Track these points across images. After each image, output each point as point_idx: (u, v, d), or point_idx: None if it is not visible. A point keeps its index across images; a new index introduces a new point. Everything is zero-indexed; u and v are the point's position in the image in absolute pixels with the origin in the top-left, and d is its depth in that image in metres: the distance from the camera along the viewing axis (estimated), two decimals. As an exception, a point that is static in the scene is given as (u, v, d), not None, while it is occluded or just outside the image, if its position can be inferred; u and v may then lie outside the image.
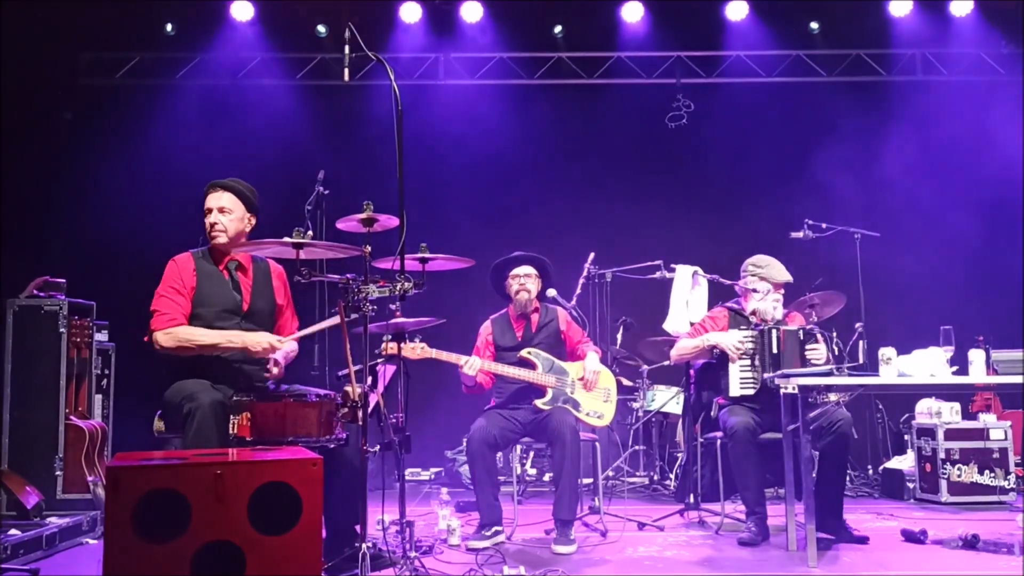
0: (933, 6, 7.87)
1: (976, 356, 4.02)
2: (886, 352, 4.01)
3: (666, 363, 5.96)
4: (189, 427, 3.33)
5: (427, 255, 3.75)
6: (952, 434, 5.83)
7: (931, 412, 6.10)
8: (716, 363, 4.91)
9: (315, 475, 2.61)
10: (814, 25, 8.00)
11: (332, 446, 3.39)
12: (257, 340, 3.65)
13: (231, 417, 3.32)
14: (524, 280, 4.89)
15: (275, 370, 3.76)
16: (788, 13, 7.97)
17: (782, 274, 4.91)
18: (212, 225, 3.84)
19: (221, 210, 3.84)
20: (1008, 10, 7.80)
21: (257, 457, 2.67)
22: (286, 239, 3.26)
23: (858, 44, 8.08)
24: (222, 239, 3.83)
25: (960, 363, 4.10)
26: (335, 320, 3.43)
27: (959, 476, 5.75)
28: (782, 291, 4.92)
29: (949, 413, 6.05)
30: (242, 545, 2.49)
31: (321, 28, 7.71)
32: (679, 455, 6.54)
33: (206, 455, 2.77)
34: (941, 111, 7.95)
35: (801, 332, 4.72)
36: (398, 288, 3.33)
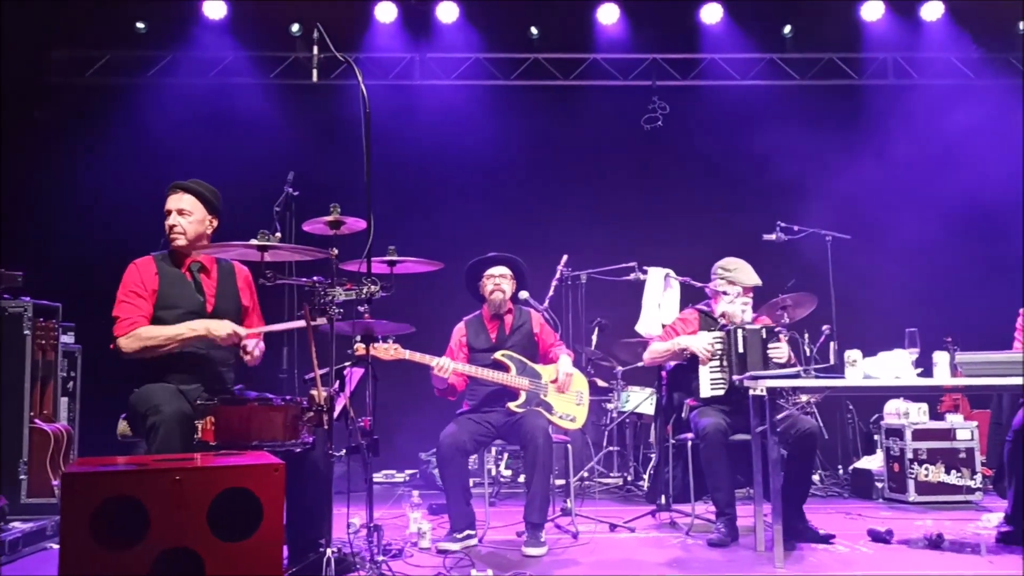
0: (904, 10, 7.93)
1: (940, 358, 4.06)
2: (852, 354, 4.04)
3: (640, 364, 5.98)
4: (153, 440, 3.31)
5: (395, 258, 3.74)
6: (920, 434, 5.89)
7: (899, 413, 6.16)
8: (687, 365, 4.93)
9: (277, 480, 2.58)
10: (787, 29, 8.06)
11: (298, 450, 3.36)
12: (220, 325, 3.62)
13: (196, 423, 3.28)
14: (499, 280, 4.89)
15: (255, 351, 3.78)
16: (762, 17, 8.01)
17: (751, 277, 4.93)
18: (171, 227, 3.81)
19: (180, 212, 3.81)
20: (977, 14, 7.88)
21: (217, 463, 2.65)
22: (251, 242, 3.24)
23: (831, 48, 8.14)
24: (181, 241, 3.79)
25: (925, 365, 4.13)
26: (301, 323, 3.41)
27: (926, 476, 5.81)
28: (751, 294, 4.95)
29: (917, 414, 6.11)
30: (201, 552, 2.47)
31: (295, 27, 7.67)
32: (652, 456, 6.56)
33: (166, 460, 2.74)
34: (912, 115, 8.02)
35: (764, 331, 4.75)
36: (365, 291, 3.31)
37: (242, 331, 3.66)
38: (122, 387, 3.73)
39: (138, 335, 3.63)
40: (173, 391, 3.53)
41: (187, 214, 3.81)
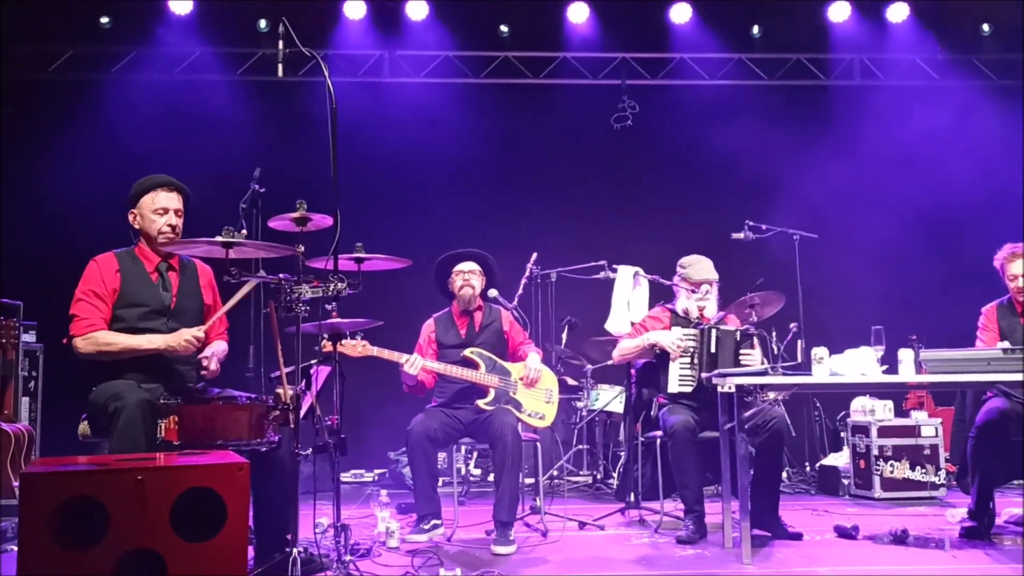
0: (870, 11, 8.01)
1: (905, 355, 4.10)
2: (818, 351, 4.07)
3: (609, 363, 5.99)
4: (114, 427, 3.25)
5: (363, 255, 3.71)
6: (885, 431, 5.96)
7: (865, 410, 6.23)
8: (656, 362, 4.95)
9: (241, 480, 2.56)
10: (755, 29, 8.11)
11: (264, 449, 3.32)
12: (176, 337, 3.57)
13: (158, 422, 3.23)
14: (468, 276, 4.89)
15: (212, 365, 3.70)
16: (730, 17, 8.06)
17: (700, 272, 4.97)
18: (172, 227, 3.75)
19: (177, 212, 3.78)
20: (942, 16, 7.98)
21: (180, 462, 2.62)
22: (216, 239, 3.19)
23: (798, 49, 8.21)
24: (164, 241, 3.73)
25: (891, 362, 4.18)
26: (250, 285, 3.35)
27: (892, 472, 5.87)
28: (706, 289, 4.97)
29: (883, 411, 6.19)
30: (164, 553, 2.44)
31: (262, 23, 7.59)
32: (622, 454, 6.57)
33: (128, 460, 2.70)
34: (878, 116, 8.12)
35: (738, 334, 4.77)
36: (331, 288, 3.28)
37: (199, 333, 3.60)
38: (84, 386, 3.67)
39: (95, 339, 3.58)
40: (134, 385, 3.48)
41: (181, 214, 3.79)
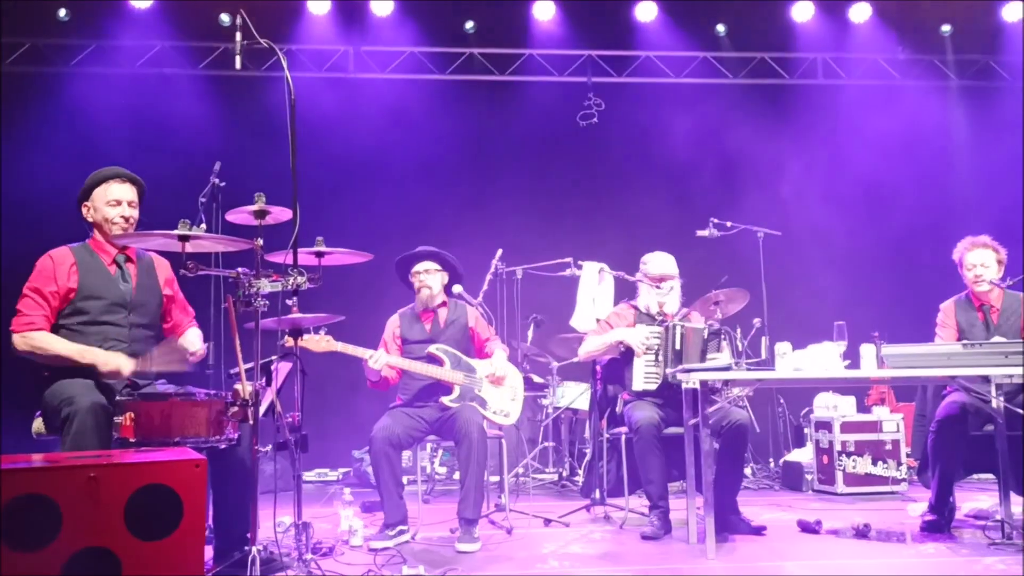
0: (833, 10, 8.09)
1: (867, 351, 4.14)
2: (782, 347, 4.10)
3: (575, 360, 5.98)
4: (67, 432, 3.18)
5: (324, 249, 3.66)
6: (848, 427, 6.01)
7: (828, 406, 6.28)
8: (621, 359, 4.95)
9: (198, 477, 2.50)
10: (720, 28, 8.15)
11: (223, 446, 3.26)
12: (107, 359, 3.49)
13: (114, 419, 3.16)
14: (424, 276, 4.83)
15: (200, 350, 3.72)
16: (696, 15, 8.10)
17: (657, 267, 5.01)
18: (125, 219, 3.70)
19: (131, 203, 3.73)
20: (903, 17, 8.08)
21: (134, 459, 2.56)
22: (172, 231, 3.13)
23: (762, 47, 8.26)
24: (119, 232, 3.67)
25: (853, 358, 4.21)
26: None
27: (854, 467, 5.93)
28: (669, 285, 4.98)
29: (845, 407, 6.25)
30: (118, 551, 2.38)
31: (224, 17, 7.48)
32: (587, 451, 6.57)
33: (81, 457, 2.64)
34: (841, 114, 8.21)
35: (706, 331, 4.78)
36: (291, 282, 3.23)
37: (125, 370, 3.49)
38: (39, 383, 3.58)
39: (31, 339, 3.52)
40: (90, 384, 3.41)
41: (134, 206, 3.74)
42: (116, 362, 3.49)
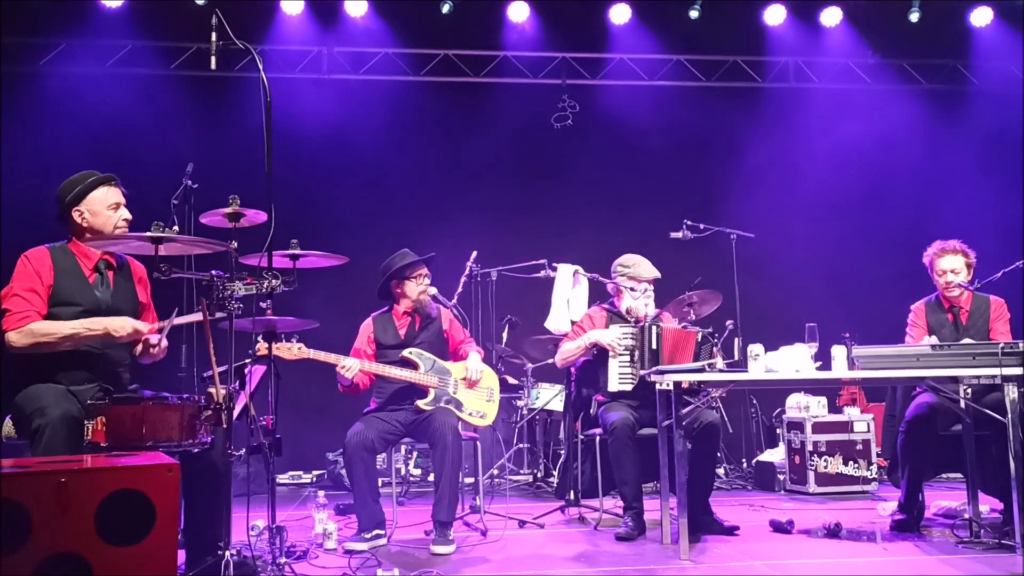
0: (805, 15, 8.17)
1: (838, 352, 4.18)
2: (754, 348, 4.13)
3: (551, 361, 6.00)
4: (38, 444, 3.13)
5: (298, 251, 3.64)
6: (819, 427, 6.07)
7: (800, 407, 6.35)
8: (596, 360, 4.96)
9: (170, 481, 2.47)
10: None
11: (196, 451, 3.23)
12: (121, 324, 3.45)
13: (85, 423, 3.12)
14: (425, 280, 4.83)
15: (163, 344, 3.63)
16: (669, 18, 8.14)
17: (649, 271, 5.02)
18: (127, 221, 3.65)
19: (126, 206, 3.69)
20: (874, 21, 8.17)
21: (106, 463, 2.53)
22: (145, 234, 3.10)
23: (735, 51, 8.32)
24: (98, 238, 3.62)
25: (824, 359, 4.25)
26: (199, 316, 3.28)
27: (825, 467, 5.99)
28: (650, 288, 5.02)
29: (817, 407, 6.31)
30: (88, 557, 2.34)
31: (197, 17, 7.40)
32: (562, 452, 6.58)
33: (51, 462, 2.60)
34: (812, 117, 8.29)
35: (700, 335, 4.79)
36: (265, 285, 3.21)
37: (143, 327, 3.50)
38: (10, 386, 3.52)
39: (31, 331, 3.43)
40: (62, 392, 3.35)
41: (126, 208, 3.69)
42: (130, 325, 3.45)
